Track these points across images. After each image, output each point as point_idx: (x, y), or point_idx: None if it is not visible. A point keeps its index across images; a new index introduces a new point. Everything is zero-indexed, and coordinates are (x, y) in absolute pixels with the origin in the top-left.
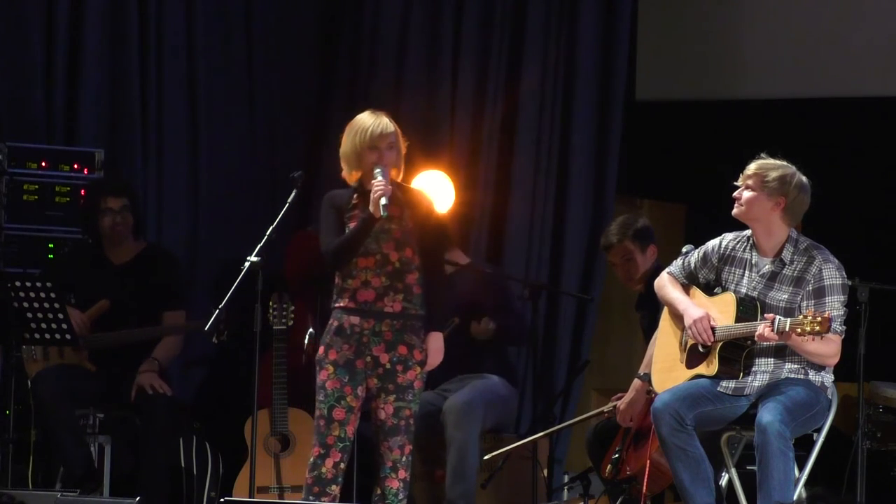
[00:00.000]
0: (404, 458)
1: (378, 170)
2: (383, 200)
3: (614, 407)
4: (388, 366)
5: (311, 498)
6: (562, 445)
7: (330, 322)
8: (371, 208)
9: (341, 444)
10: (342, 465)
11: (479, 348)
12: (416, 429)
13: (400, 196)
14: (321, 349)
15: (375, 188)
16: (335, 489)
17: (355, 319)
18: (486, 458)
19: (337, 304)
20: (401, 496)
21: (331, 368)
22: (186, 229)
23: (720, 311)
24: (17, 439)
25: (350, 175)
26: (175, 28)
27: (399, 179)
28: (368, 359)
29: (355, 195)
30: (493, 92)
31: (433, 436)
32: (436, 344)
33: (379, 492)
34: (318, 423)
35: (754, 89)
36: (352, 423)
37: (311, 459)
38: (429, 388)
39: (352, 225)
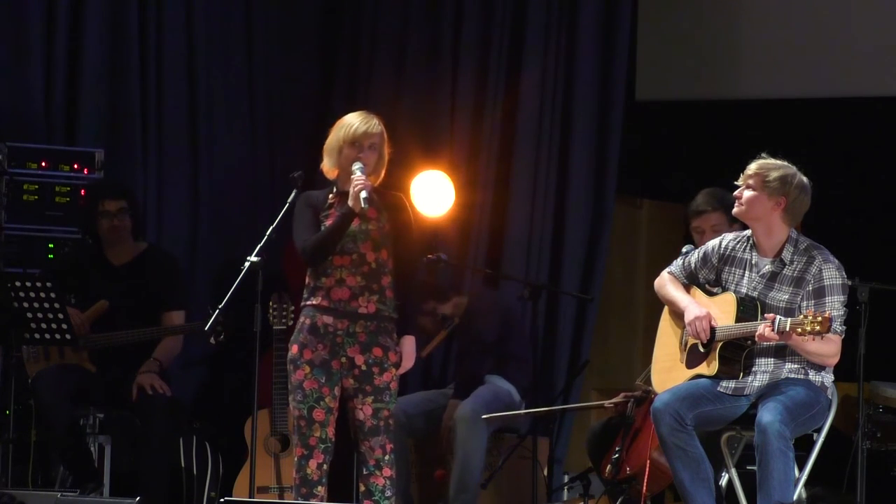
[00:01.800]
0: (387, 457)
1: (357, 165)
2: (363, 194)
3: (615, 404)
4: (363, 367)
5: (299, 499)
6: (562, 445)
7: (301, 320)
8: (350, 202)
9: (323, 446)
10: (325, 467)
11: (481, 349)
12: (416, 428)
13: (378, 199)
14: (294, 348)
15: (355, 182)
16: (321, 490)
17: (328, 319)
18: (484, 416)
19: (309, 303)
20: (388, 493)
21: (307, 368)
22: (186, 229)
23: (721, 311)
24: (17, 439)
25: (329, 170)
26: (175, 28)
27: (377, 184)
28: (343, 360)
29: (331, 195)
30: (493, 92)
31: (432, 435)
32: (409, 347)
33: (363, 489)
34: (299, 424)
35: (754, 89)
36: (331, 424)
37: (296, 460)
38: (430, 387)
39: (328, 223)
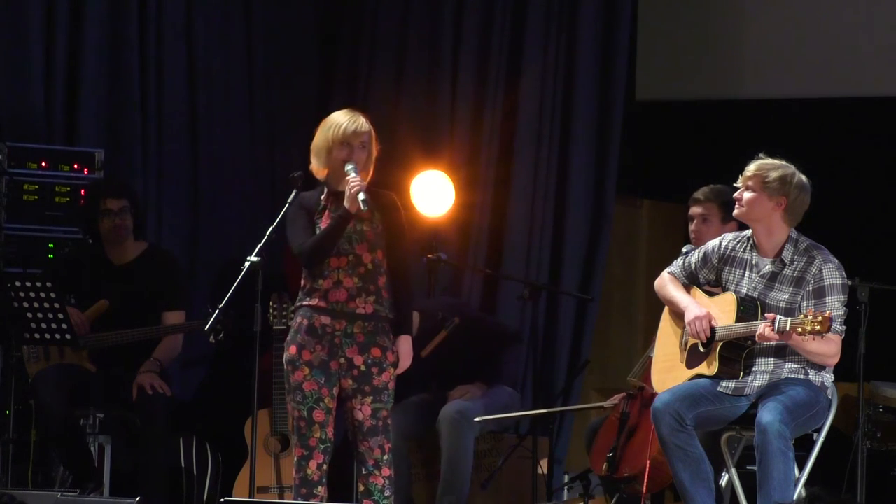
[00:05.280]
0: (385, 457)
1: (350, 166)
2: (362, 195)
3: (615, 405)
4: (362, 368)
5: (299, 499)
6: (562, 445)
7: (298, 321)
8: (347, 204)
9: (323, 446)
10: (325, 467)
11: (478, 354)
12: (417, 429)
13: (370, 200)
14: (292, 348)
15: (352, 184)
16: (321, 490)
17: (326, 319)
18: (478, 419)
19: (305, 303)
20: (387, 493)
21: (307, 370)
22: (186, 229)
23: (721, 311)
24: (17, 439)
25: (319, 170)
26: (175, 28)
27: (367, 182)
28: (342, 360)
29: (323, 196)
30: (493, 92)
31: (433, 436)
32: (406, 347)
33: (362, 489)
34: (299, 425)
35: (754, 89)
36: (330, 425)
37: (296, 460)
38: (431, 389)
39: (323, 225)
